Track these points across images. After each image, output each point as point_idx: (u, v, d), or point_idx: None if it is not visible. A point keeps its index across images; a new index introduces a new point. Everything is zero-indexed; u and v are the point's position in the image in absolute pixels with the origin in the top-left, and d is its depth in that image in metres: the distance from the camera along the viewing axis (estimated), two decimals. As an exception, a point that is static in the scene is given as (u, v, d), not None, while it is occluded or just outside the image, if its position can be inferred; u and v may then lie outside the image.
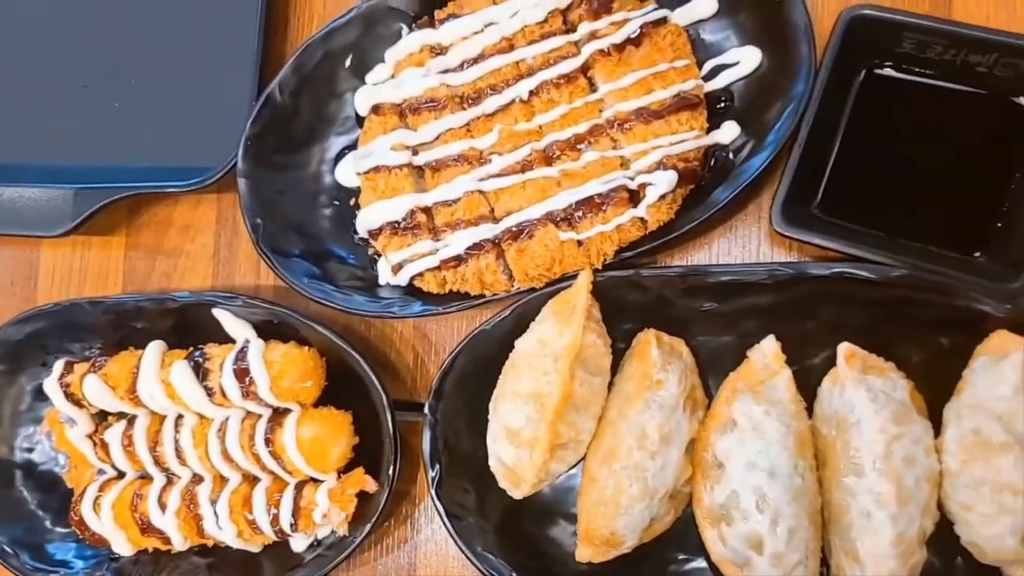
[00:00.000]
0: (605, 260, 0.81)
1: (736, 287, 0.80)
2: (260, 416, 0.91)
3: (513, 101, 0.86)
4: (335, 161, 0.96)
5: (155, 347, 0.94)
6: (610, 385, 0.83)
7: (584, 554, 0.80)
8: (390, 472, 0.87)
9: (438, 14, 0.91)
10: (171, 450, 0.92)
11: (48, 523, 1.01)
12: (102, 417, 0.98)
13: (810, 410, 0.79)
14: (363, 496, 0.89)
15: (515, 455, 0.79)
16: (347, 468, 0.90)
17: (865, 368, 0.74)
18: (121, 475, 0.97)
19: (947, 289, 0.73)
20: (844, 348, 0.75)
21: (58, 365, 0.97)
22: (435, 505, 0.84)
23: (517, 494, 0.82)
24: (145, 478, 0.96)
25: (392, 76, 0.93)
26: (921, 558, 0.71)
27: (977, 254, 0.78)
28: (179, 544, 0.92)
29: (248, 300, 0.92)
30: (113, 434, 0.95)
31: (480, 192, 0.86)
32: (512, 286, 0.84)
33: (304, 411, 0.90)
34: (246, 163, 0.93)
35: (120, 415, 0.97)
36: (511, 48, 0.87)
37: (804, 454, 0.74)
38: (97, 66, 1.07)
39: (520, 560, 0.84)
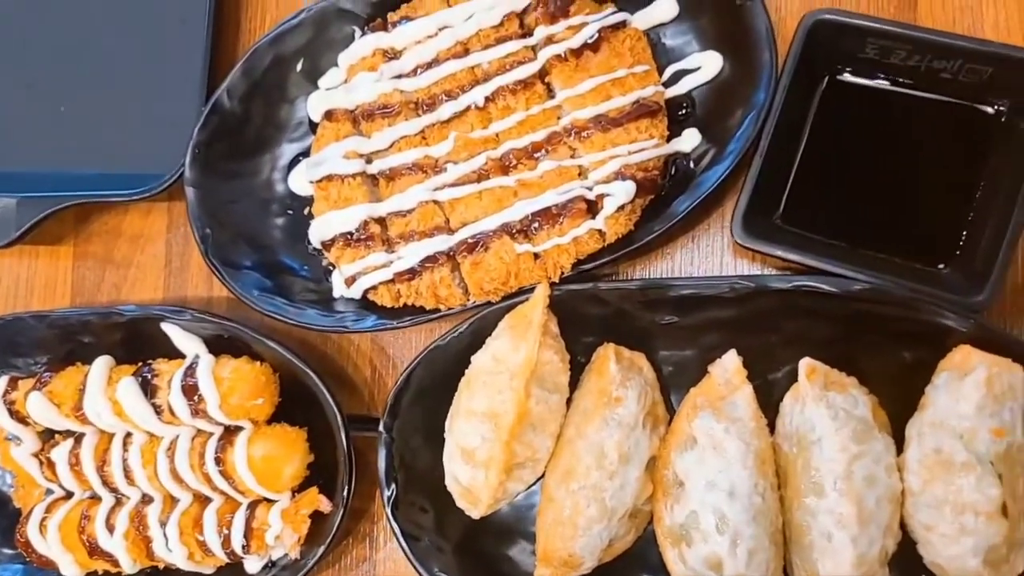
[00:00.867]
0: (562, 273, 0.79)
1: (697, 300, 0.78)
2: (211, 434, 0.88)
3: (469, 107, 0.83)
4: (288, 168, 0.93)
5: (101, 363, 0.91)
6: (570, 400, 0.81)
7: (543, 575, 0.77)
8: (344, 493, 0.84)
9: (391, 17, 0.87)
10: (119, 470, 0.89)
11: (-6, 545, 0.97)
12: (49, 435, 0.95)
13: (772, 425, 0.77)
14: (318, 516, 0.86)
15: (471, 475, 0.77)
16: (304, 485, 0.87)
17: (827, 384, 0.72)
18: (69, 495, 0.94)
19: (910, 303, 0.72)
20: (805, 364, 0.73)
21: (1, 382, 0.93)
22: (391, 526, 0.82)
23: (475, 514, 0.80)
24: (94, 498, 0.93)
25: (345, 81, 0.90)
26: (883, 579, 0.70)
27: (942, 266, 0.76)
28: (128, 567, 0.89)
29: (197, 314, 0.89)
30: (60, 453, 0.92)
31: (435, 202, 0.83)
32: (467, 300, 0.81)
33: (256, 429, 0.87)
34: (194, 171, 0.90)
35: (67, 433, 0.93)
36: (466, 52, 0.84)
37: (765, 472, 0.73)
38: (42, 66, 1.03)
39: (479, 581, 0.82)
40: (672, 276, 0.84)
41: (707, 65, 0.80)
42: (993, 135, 0.75)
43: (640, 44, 0.81)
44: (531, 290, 0.79)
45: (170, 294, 1.00)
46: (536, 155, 0.80)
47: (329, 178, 0.87)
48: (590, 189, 0.78)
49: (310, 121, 0.92)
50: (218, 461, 0.86)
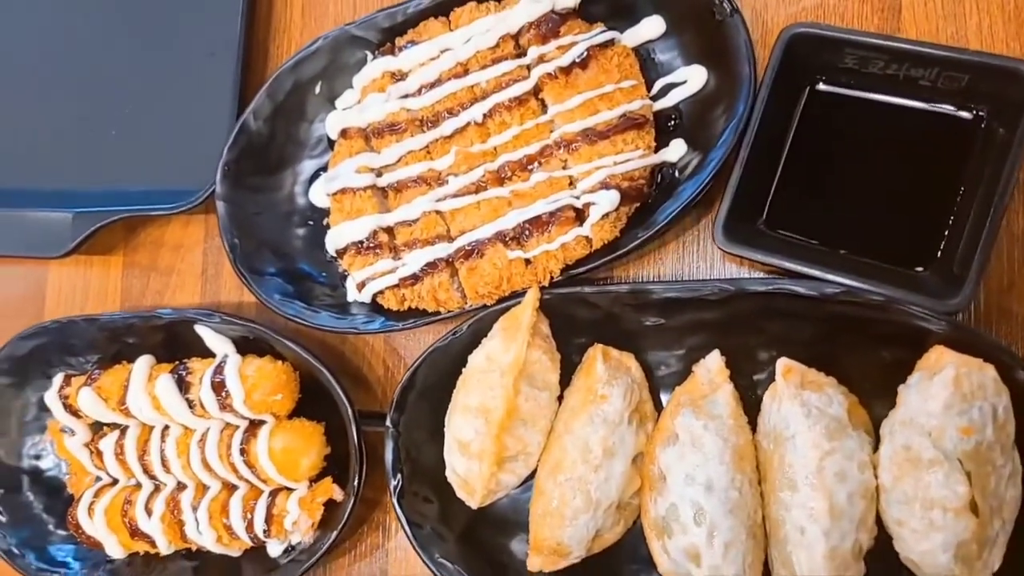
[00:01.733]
0: (552, 278, 0.83)
1: (682, 303, 0.81)
2: (238, 427, 0.95)
3: (469, 123, 0.89)
4: (309, 182, 1.00)
5: (143, 362, 0.99)
6: (562, 398, 0.85)
7: (534, 563, 0.82)
8: (355, 482, 0.90)
9: (398, 41, 0.94)
10: (157, 459, 0.98)
11: (52, 526, 1.07)
12: (99, 427, 1.04)
13: (756, 424, 0.80)
14: (332, 504, 0.93)
15: (466, 467, 0.82)
16: (322, 476, 0.94)
17: (803, 383, 0.74)
18: (115, 482, 1.03)
19: (886, 305, 0.73)
20: (782, 363, 0.75)
21: (57, 378, 1.03)
22: (397, 513, 0.87)
23: (472, 504, 0.84)
24: (136, 485, 1.01)
25: (359, 101, 0.96)
26: (857, 572, 0.71)
27: (921, 269, 0.77)
28: (164, 548, 0.97)
29: (226, 317, 0.97)
30: (107, 443, 1.01)
31: (437, 212, 0.89)
32: (465, 303, 0.87)
33: (277, 423, 0.94)
34: (224, 186, 0.98)
35: (114, 425, 1.03)
36: (466, 73, 0.90)
37: (743, 468, 0.75)
38: (93, 99, 1.14)
39: (479, 568, 0.87)
40: (658, 280, 0.88)
41: (692, 78, 0.84)
42: (972, 140, 0.76)
43: (628, 60, 0.85)
44: (523, 294, 0.84)
45: (206, 299, 1.09)
46: (530, 167, 0.85)
47: (343, 191, 0.93)
48: (578, 198, 0.83)
49: (328, 139, 1.00)
50: (243, 452, 0.93)
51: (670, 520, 0.76)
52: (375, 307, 0.94)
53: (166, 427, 0.99)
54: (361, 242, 0.91)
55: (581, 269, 0.83)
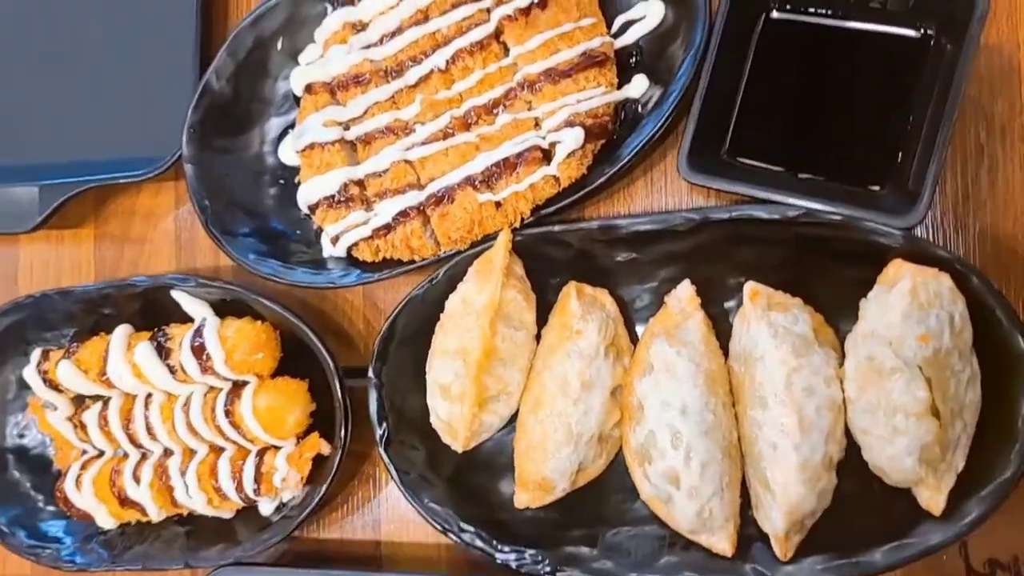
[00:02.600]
0: (523, 219, 0.85)
1: (651, 236, 0.82)
2: (221, 390, 0.96)
3: (432, 71, 0.89)
4: (278, 141, 1.00)
5: (121, 331, 0.99)
6: (540, 336, 0.86)
7: (521, 499, 0.84)
8: (341, 435, 0.91)
9: (357, -9, 0.94)
10: (142, 427, 0.98)
11: (41, 503, 1.07)
12: (80, 400, 1.04)
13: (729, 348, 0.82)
14: (321, 459, 0.94)
15: (448, 410, 0.84)
16: (309, 432, 0.95)
17: (769, 305, 0.76)
18: (101, 454, 1.03)
19: (846, 224, 0.75)
20: (749, 287, 0.77)
21: (35, 354, 1.03)
22: (384, 461, 0.89)
23: (457, 447, 0.86)
24: (123, 455, 1.02)
25: (322, 55, 0.96)
26: (829, 483, 0.74)
27: (879, 187, 0.79)
28: (155, 515, 0.98)
29: (202, 281, 0.97)
30: (90, 416, 1.01)
31: (406, 161, 0.89)
32: (439, 250, 0.88)
33: (261, 382, 0.95)
34: (191, 149, 0.97)
35: (96, 397, 1.03)
36: (426, 19, 0.89)
37: (716, 391, 0.77)
38: (52, 67, 1.12)
39: (468, 510, 0.88)
40: (626, 214, 0.89)
41: (651, 13, 0.85)
42: (922, 59, 0.78)
43: (586, -2, 0.86)
44: (496, 237, 0.85)
45: (182, 265, 1.09)
46: (495, 110, 0.86)
47: (311, 146, 0.93)
48: (543, 138, 0.84)
49: (294, 95, 0.99)
50: (228, 413, 0.94)
51: (649, 447, 0.78)
52: (351, 260, 0.94)
53: (149, 395, 0.99)
54: (332, 196, 0.92)
55: (551, 209, 0.84)
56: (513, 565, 0.83)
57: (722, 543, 0.78)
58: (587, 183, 0.83)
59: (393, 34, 0.90)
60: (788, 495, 0.72)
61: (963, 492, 0.73)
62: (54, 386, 1.02)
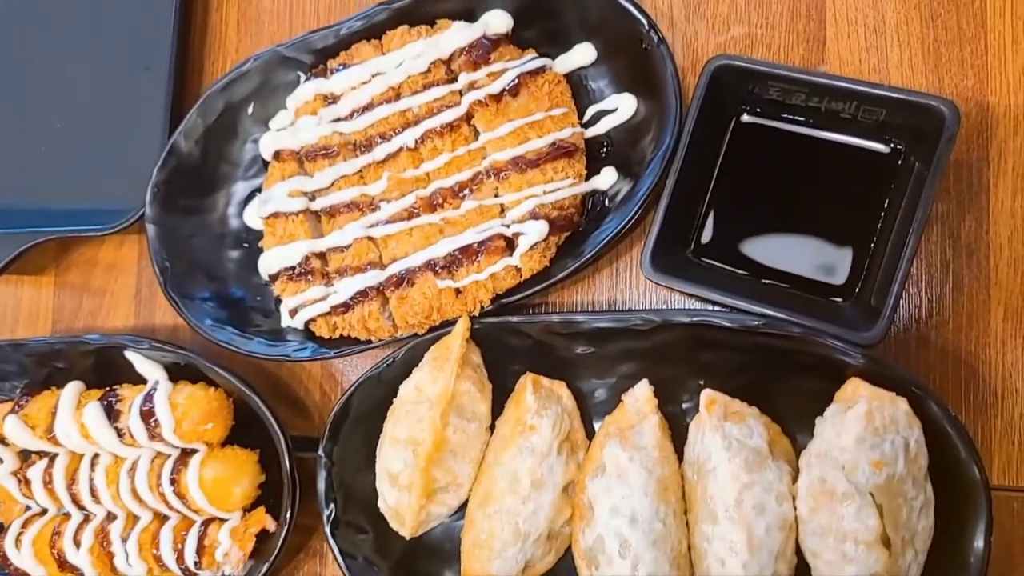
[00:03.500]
0: (482, 307, 0.83)
1: (611, 333, 0.81)
2: (169, 456, 0.94)
3: (401, 149, 0.88)
4: (244, 204, 0.99)
5: (71, 388, 0.97)
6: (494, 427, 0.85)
7: (466, 595, 0.82)
8: (288, 514, 0.89)
9: (330, 63, 0.93)
10: (86, 488, 0.95)
11: (-20, 557, 1.04)
12: (27, 454, 1.01)
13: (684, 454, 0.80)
14: (267, 534, 0.91)
15: (396, 497, 0.82)
16: (257, 503, 0.93)
17: (726, 414, 0.75)
18: (44, 511, 1.00)
19: (804, 337, 0.74)
20: (705, 395, 0.76)
21: (-18, 406, 1.00)
22: (329, 544, 0.87)
23: (404, 534, 0.84)
24: (67, 515, 0.99)
25: (293, 123, 0.95)
26: (778, 603, 0.73)
27: (841, 300, 0.78)
28: (93, 581, 0.96)
29: (155, 343, 0.95)
30: (35, 472, 0.99)
31: (369, 238, 0.88)
32: (396, 332, 0.86)
33: (209, 451, 0.92)
34: (154, 209, 0.96)
35: (43, 453, 1.00)
36: (397, 97, 0.89)
37: (667, 499, 0.76)
38: (22, 113, 1.11)
39: (412, 598, 0.86)
40: (588, 310, 0.88)
41: (623, 107, 0.84)
42: (890, 173, 0.77)
43: (559, 88, 0.85)
44: (454, 323, 0.83)
45: (140, 321, 1.07)
46: (461, 194, 0.85)
47: (276, 215, 0.92)
48: (507, 227, 0.82)
49: (263, 159, 0.98)
50: (173, 482, 0.91)
51: (596, 552, 0.76)
52: (309, 333, 0.92)
53: (96, 455, 0.97)
54: (293, 268, 0.90)
55: (512, 298, 0.83)
56: (454, 662, 0.81)
57: (668, 655, 0.76)
58: (549, 275, 0.82)
59: (364, 109, 0.89)
60: (735, 614, 0.70)
61: (914, 619, 0.71)
62: (0, 439, 0.99)
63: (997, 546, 0.70)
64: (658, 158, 0.79)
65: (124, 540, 0.94)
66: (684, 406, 0.83)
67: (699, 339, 0.80)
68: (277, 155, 0.94)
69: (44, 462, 0.99)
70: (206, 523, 0.93)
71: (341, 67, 0.91)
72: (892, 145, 0.78)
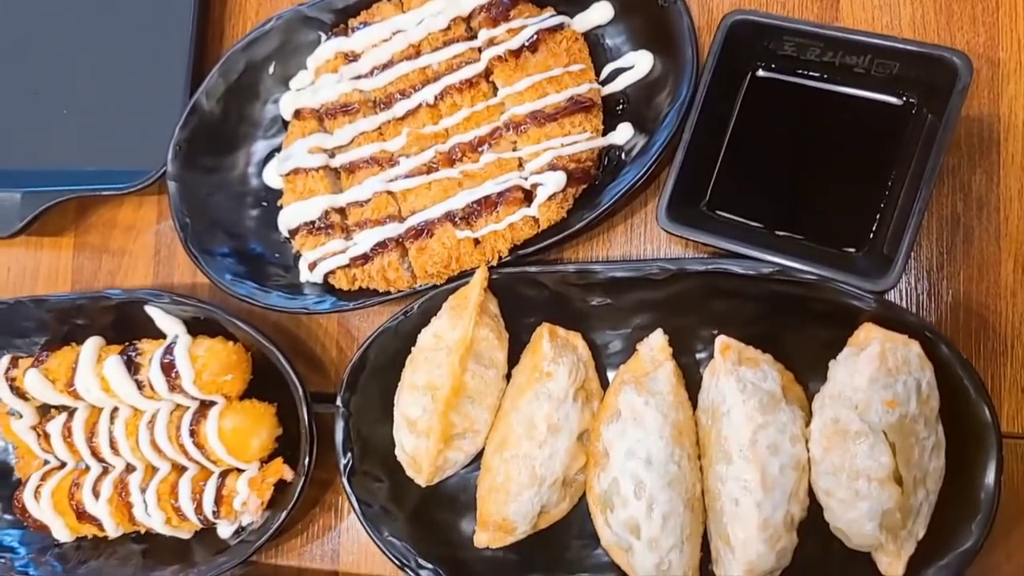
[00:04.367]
0: (500, 257, 0.85)
1: (627, 283, 0.83)
2: (187, 408, 0.95)
3: (420, 105, 0.89)
4: (263, 163, 1.00)
5: (92, 343, 0.99)
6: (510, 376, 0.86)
7: (481, 539, 0.83)
8: (305, 462, 0.90)
9: (351, 22, 0.94)
10: (106, 441, 0.97)
11: (-1, 511, 1.06)
12: (46, 409, 1.03)
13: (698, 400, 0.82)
14: (284, 485, 0.93)
15: (414, 444, 0.83)
16: (273, 457, 0.94)
17: (740, 360, 0.76)
18: (63, 465, 1.02)
19: (818, 284, 0.76)
20: (720, 341, 0.77)
21: (3, 360, 1.02)
22: (346, 492, 0.88)
23: (420, 481, 0.85)
24: (85, 468, 1.01)
25: (312, 82, 0.97)
26: (789, 543, 0.74)
27: (854, 250, 0.80)
28: (112, 531, 0.97)
29: (176, 298, 0.97)
30: (54, 426, 1.00)
31: (389, 193, 0.89)
32: (415, 283, 0.88)
33: (228, 403, 0.94)
34: (175, 167, 0.97)
35: (62, 407, 1.02)
36: (417, 54, 0.90)
37: (682, 443, 0.77)
38: (43, 74, 1.12)
39: (429, 547, 0.87)
40: (603, 260, 0.89)
41: (639, 63, 0.86)
42: (903, 125, 0.79)
43: (577, 45, 0.87)
44: (472, 273, 0.85)
45: (159, 280, 1.08)
46: (480, 148, 0.86)
47: (296, 171, 0.94)
48: (526, 179, 0.84)
49: (283, 119, 1.00)
50: (192, 433, 0.93)
51: (612, 494, 0.77)
52: (327, 287, 0.94)
53: (115, 409, 0.98)
54: (313, 222, 0.92)
55: (529, 249, 0.85)
56: (469, 606, 0.82)
57: (680, 597, 0.77)
58: (566, 226, 0.84)
59: (384, 66, 0.91)
60: (748, 552, 0.72)
61: (923, 560, 0.72)
62: (21, 394, 1.00)
63: (1004, 491, 0.71)
64: (674, 112, 0.81)
65: (143, 491, 0.95)
66: (698, 356, 0.84)
67: (713, 289, 0.81)
68: (297, 113, 0.96)
69: (63, 416, 1.01)
70: (224, 474, 0.94)
71: (362, 25, 0.93)
72: (905, 98, 0.79)
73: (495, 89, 0.89)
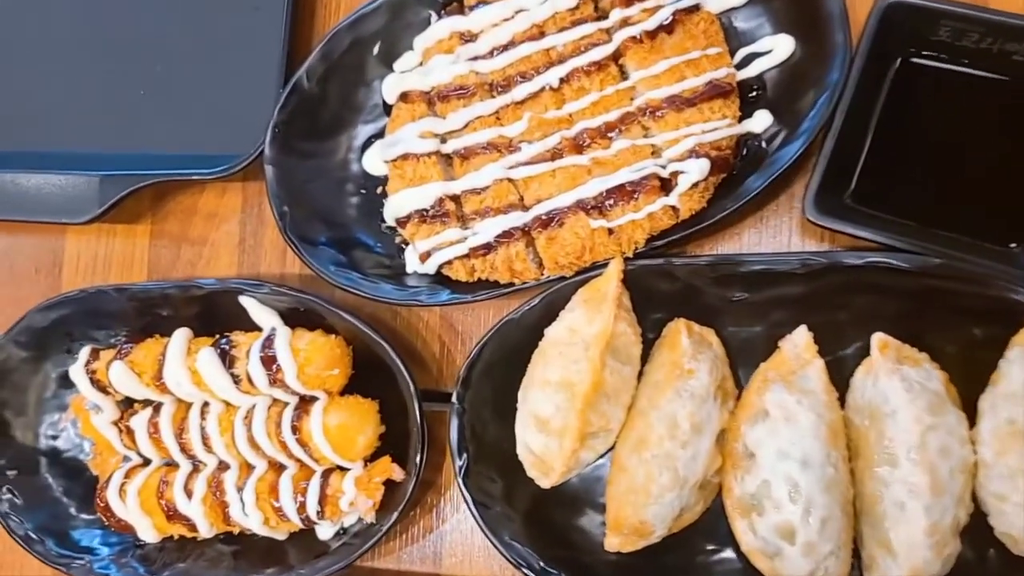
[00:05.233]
0: (636, 248, 0.81)
1: (767, 277, 0.79)
2: (287, 404, 0.91)
3: (543, 89, 0.85)
4: (362, 149, 0.96)
5: (181, 334, 0.94)
6: (640, 375, 0.82)
7: (613, 543, 0.79)
8: (417, 461, 0.87)
9: (467, 0, 0.90)
10: (197, 437, 0.93)
11: (73, 510, 1.01)
12: (127, 404, 0.98)
13: (842, 401, 0.79)
14: (389, 484, 0.89)
15: (544, 444, 0.79)
16: (374, 457, 0.90)
17: (899, 358, 0.73)
18: (146, 462, 0.97)
19: (982, 279, 0.73)
20: (878, 338, 0.74)
21: (84, 352, 0.97)
22: (463, 494, 0.84)
23: (546, 483, 0.82)
24: (171, 465, 0.96)
25: (420, 63, 0.92)
26: (955, 549, 0.71)
27: (1013, 245, 0.77)
28: (205, 531, 0.93)
29: (275, 288, 0.92)
30: (139, 421, 0.95)
31: (509, 180, 0.85)
32: (542, 274, 0.84)
33: (331, 399, 0.90)
34: (273, 150, 0.93)
35: (146, 402, 0.97)
36: (541, 35, 0.86)
37: (837, 444, 0.74)
38: (123, 54, 1.07)
39: (548, 549, 0.84)
40: (744, 252, 0.86)
41: (779, 47, 0.82)
42: (1066, 115, 0.76)
43: (713, 27, 0.83)
44: (603, 265, 0.81)
45: (244, 271, 1.04)
46: (609, 134, 0.83)
47: (404, 157, 0.89)
48: (663, 167, 0.80)
49: (384, 104, 0.95)
50: (294, 429, 0.89)
51: (761, 497, 0.74)
52: (437, 279, 0.90)
53: (205, 404, 0.94)
54: (426, 210, 0.87)
55: (665, 240, 0.81)
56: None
57: (831, 605, 0.74)
58: (705, 217, 0.80)
59: (504, 47, 0.87)
60: (913, 559, 0.69)
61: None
62: (102, 387, 0.96)
63: None
64: (824, 99, 0.77)
65: (240, 489, 0.91)
66: (839, 354, 0.81)
67: (857, 284, 0.78)
68: (405, 96, 0.91)
69: (148, 411, 0.96)
70: (326, 473, 0.90)
71: (480, 4, 0.89)
72: (1068, 87, 0.76)
73: (623, 72, 0.85)
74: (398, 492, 0.88)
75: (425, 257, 0.88)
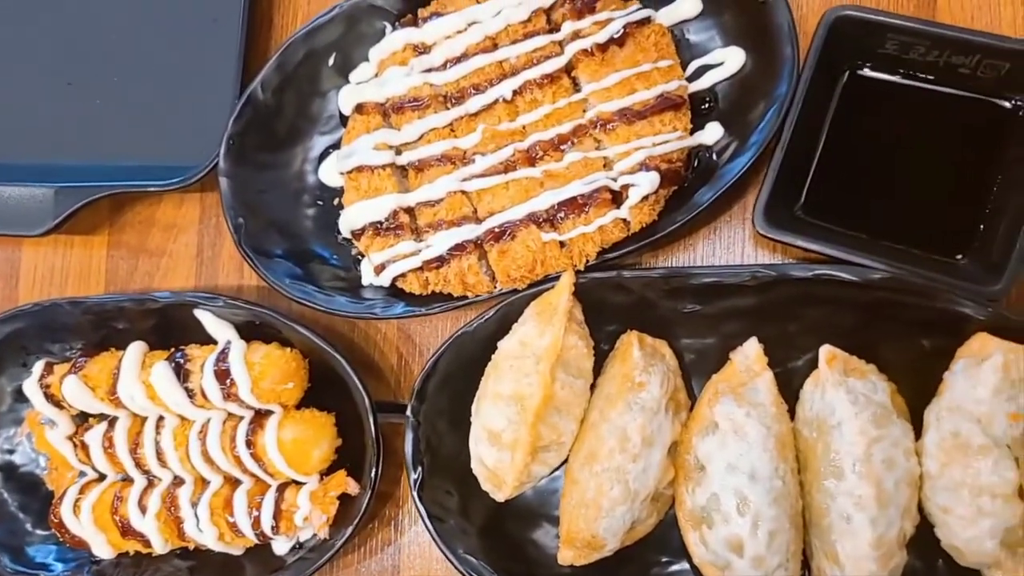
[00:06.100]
0: (587, 261, 0.81)
1: (719, 289, 0.80)
2: (242, 418, 0.90)
3: (496, 101, 0.85)
4: (319, 160, 0.95)
5: (136, 348, 0.93)
6: (593, 387, 0.82)
7: (566, 556, 0.79)
8: (372, 475, 0.86)
9: (421, 12, 0.90)
10: (152, 452, 0.92)
11: (29, 525, 1.00)
12: (83, 419, 0.97)
13: (793, 412, 0.79)
14: (345, 498, 0.88)
15: (496, 457, 0.79)
16: (330, 470, 0.90)
17: (846, 370, 0.74)
18: (102, 477, 0.96)
19: (928, 292, 0.73)
20: (825, 350, 0.74)
21: (38, 366, 0.96)
22: (417, 507, 0.84)
23: (499, 496, 0.81)
24: (126, 480, 0.95)
25: (376, 75, 0.92)
26: (901, 560, 0.71)
27: (959, 257, 0.77)
28: (159, 547, 0.92)
29: (229, 301, 0.92)
30: (93, 436, 0.94)
31: (463, 192, 0.85)
32: (495, 287, 0.84)
33: (286, 413, 0.89)
34: (228, 162, 0.92)
35: (101, 416, 0.96)
36: (494, 47, 0.86)
37: (785, 456, 0.74)
38: (79, 64, 1.06)
39: (503, 563, 0.84)
40: (694, 265, 0.86)
41: (730, 60, 0.82)
42: (1010, 129, 0.77)
43: (664, 40, 0.83)
44: (556, 278, 0.81)
45: (201, 283, 1.03)
46: (562, 147, 0.83)
47: (359, 169, 0.89)
48: (615, 180, 0.80)
49: (340, 114, 0.95)
50: (249, 444, 0.88)
51: (711, 510, 0.74)
52: (392, 291, 0.89)
53: (160, 418, 0.93)
54: (380, 223, 0.87)
55: (617, 253, 0.81)
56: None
57: (780, 616, 0.74)
58: (656, 229, 0.80)
59: (458, 59, 0.87)
60: (860, 571, 0.69)
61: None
62: (56, 402, 0.95)
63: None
64: (773, 112, 0.78)
65: (194, 505, 0.90)
66: (789, 366, 0.81)
67: (807, 297, 0.78)
68: (360, 108, 0.91)
69: (103, 426, 0.95)
70: (281, 488, 0.90)
71: (434, 16, 0.88)
72: (1013, 101, 0.77)
73: (576, 84, 0.85)
74: (354, 506, 0.87)
75: (379, 269, 0.87)
